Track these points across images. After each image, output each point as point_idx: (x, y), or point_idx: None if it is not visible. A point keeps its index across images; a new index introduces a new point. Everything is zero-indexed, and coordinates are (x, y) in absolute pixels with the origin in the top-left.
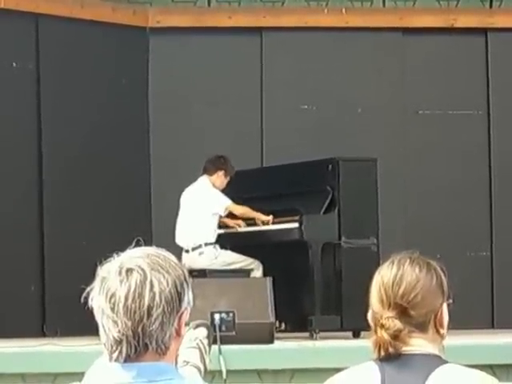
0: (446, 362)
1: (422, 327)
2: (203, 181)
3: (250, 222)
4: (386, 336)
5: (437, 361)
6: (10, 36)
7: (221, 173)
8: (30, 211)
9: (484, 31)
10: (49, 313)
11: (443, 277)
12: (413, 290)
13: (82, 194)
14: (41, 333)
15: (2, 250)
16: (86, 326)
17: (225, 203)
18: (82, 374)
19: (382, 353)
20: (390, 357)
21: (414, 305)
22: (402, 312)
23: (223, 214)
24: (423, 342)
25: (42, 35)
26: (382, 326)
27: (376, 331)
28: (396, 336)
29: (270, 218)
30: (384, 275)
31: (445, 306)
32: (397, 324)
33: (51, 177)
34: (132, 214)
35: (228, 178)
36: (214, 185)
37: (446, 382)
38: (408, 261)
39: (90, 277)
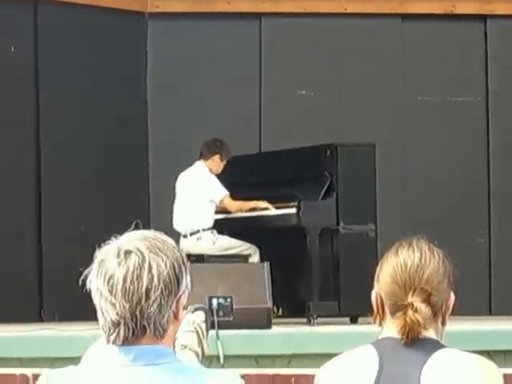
0: (444, 346)
1: (435, 314)
2: (199, 166)
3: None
4: (420, 319)
5: (435, 345)
6: (8, 21)
7: (216, 157)
8: (28, 197)
9: (483, 18)
10: (46, 298)
11: (450, 266)
12: (436, 275)
13: (80, 179)
14: (38, 318)
15: (0, 236)
16: (83, 311)
17: (221, 193)
18: (80, 359)
19: (410, 336)
20: (414, 341)
21: (435, 291)
22: (427, 297)
23: (218, 203)
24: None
25: (40, 20)
26: (414, 309)
27: (405, 314)
28: (425, 321)
29: (270, 206)
30: (406, 258)
31: (453, 295)
32: (426, 308)
33: (49, 163)
34: (130, 199)
35: (224, 162)
36: (210, 170)
37: (445, 366)
38: (427, 247)
39: (88, 262)
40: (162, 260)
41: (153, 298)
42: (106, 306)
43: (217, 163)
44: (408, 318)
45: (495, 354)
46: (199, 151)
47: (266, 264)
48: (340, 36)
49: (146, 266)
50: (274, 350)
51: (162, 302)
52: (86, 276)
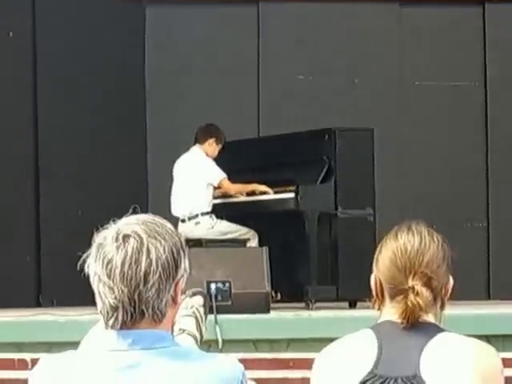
0: (443, 330)
1: (435, 298)
2: (195, 150)
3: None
4: (421, 303)
5: (435, 329)
6: (6, 6)
7: (211, 140)
8: (26, 182)
9: (481, 2)
10: (44, 283)
11: (449, 250)
12: (436, 259)
13: (78, 165)
14: (36, 303)
15: None
16: (81, 296)
17: (219, 175)
18: (78, 344)
19: (410, 320)
20: (413, 325)
21: (435, 275)
22: (427, 281)
23: (216, 185)
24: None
25: (38, 5)
26: (415, 292)
27: (406, 297)
28: (426, 304)
29: (269, 189)
30: (406, 242)
31: (451, 279)
32: (427, 292)
33: (47, 148)
34: (128, 184)
35: (220, 146)
36: (206, 153)
37: (444, 350)
38: (426, 231)
39: (86, 247)
40: (161, 244)
41: (151, 283)
42: (104, 291)
43: (213, 147)
44: (409, 302)
45: (493, 339)
46: (194, 136)
47: (265, 249)
48: (338, 21)
49: (145, 250)
50: (272, 335)
51: (161, 286)
52: (85, 260)
